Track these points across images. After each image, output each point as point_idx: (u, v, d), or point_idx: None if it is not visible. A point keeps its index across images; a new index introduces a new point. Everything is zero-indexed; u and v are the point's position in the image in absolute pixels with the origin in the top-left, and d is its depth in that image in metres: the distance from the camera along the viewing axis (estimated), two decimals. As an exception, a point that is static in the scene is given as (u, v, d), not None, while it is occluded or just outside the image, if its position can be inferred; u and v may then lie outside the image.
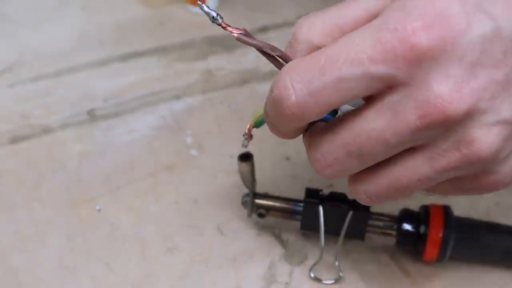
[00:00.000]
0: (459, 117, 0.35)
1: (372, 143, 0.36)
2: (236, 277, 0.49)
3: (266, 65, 0.65)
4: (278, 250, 0.51)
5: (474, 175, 0.38)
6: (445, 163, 0.36)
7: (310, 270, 0.49)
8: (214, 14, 0.38)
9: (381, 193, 0.39)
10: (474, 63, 0.35)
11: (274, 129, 0.40)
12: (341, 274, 0.49)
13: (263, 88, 0.64)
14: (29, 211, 0.52)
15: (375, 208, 0.49)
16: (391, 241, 0.51)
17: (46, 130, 0.59)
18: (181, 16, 0.72)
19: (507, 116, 0.36)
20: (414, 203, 0.51)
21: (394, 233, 0.49)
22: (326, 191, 0.50)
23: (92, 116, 0.60)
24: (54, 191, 0.54)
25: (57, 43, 0.67)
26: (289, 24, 0.71)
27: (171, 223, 0.52)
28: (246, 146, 0.45)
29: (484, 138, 0.36)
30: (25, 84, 0.63)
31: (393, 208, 0.50)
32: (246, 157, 0.47)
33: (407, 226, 0.49)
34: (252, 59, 0.67)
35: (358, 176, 0.39)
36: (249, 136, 0.44)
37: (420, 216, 0.49)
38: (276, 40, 0.70)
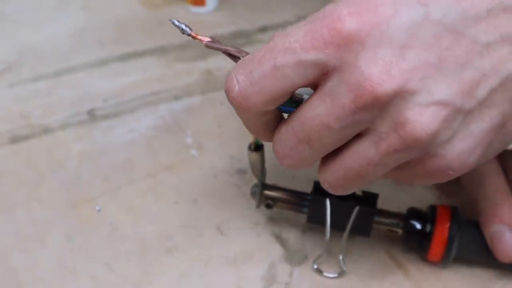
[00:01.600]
0: (389, 97, 0.36)
1: (317, 129, 0.38)
2: (236, 277, 0.49)
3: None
4: (278, 250, 0.51)
5: (420, 159, 0.39)
6: (387, 146, 0.38)
7: (314, 262, 0.49)
8: (183, 27, 0.43)
9: (340, 181, 0.41)
10: (403, 46, 0.36)
11: (245, 125, 0.43)
12: (344, 269, 0.49)
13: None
14: (29, 211, 0.52)
15: (382, 205, 0.49)
16: (391, 240, 0.51)
17: (46, 130, 0.59)
18: (181, 16, 0.71)
19: (442, 97, 0.37)
20: (423, 204, 0.51)
21: (400, 231, 0.49)
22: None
23: (92, 116, 0.60)
24: (54, 191, 0.54)
25: (57, 43, 0.67)
26: (289, 24, 0.71)
27: (171, 223, 0.52)
28: (260, 143, 0.48)
29: (417, 118, 0.37)
30: (25, 84, 0.63)
31: (400, 206, 0.50)
32: (257, 147, 0.48)
33: (413, 225, 0.49)
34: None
35: (321, 166, 0.41)
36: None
37: (427, 215, 0.49)
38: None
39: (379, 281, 0.49)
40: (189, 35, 0.42)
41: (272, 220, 0.53)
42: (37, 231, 0.51)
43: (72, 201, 0.53)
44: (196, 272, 0.49)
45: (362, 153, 0.39)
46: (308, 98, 0.39)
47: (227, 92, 0.39)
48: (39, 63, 0.65)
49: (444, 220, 0.48)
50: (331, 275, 0.49)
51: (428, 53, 0.36)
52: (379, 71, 0.36)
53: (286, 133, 0.40)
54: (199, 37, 0.42)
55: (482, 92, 0.37)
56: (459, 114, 0.37)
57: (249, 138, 0.47)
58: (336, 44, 0.36)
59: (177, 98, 0.63)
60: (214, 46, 0.42)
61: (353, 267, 0.50)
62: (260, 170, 0.49)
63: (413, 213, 0.49)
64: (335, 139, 0.39)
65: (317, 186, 0.50)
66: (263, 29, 0.71)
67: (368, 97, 0.36)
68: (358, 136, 0.39)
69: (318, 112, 0.38)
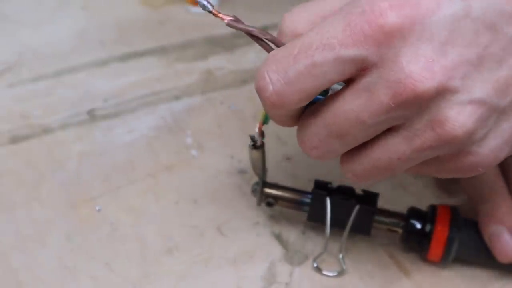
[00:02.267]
0: (430, 95, 0.36)
1: (350, 123, 0.37)
2: (236, 277, 0.49)
3: (266, 65, 0.66)
4: (278, 250, 0.51)
5: (452, 155, 0.39)
6: (421, 142, 0.37)
7: (314, 261, 0.49)
8: (205, 3, 0.41)
9: (366, 172, 0.40)
10: (444, 42, 0.35)
11: (271, 118, 0.41)
12: (344, 267, 0.49)
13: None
14: (29, 211, 0.52)
15: (383, 205, 0.49)
16: (392, 240, 0.51)
17: (46, 130, 0.59)
18: (181, 16, 0.72)
19: (479, 96, 0.36)
20: (423, 203, 0.51)
21: (400, 230, 0.49)
22: (334, 184, 0.50)
23: (92, 116, 0.60)
24: (54, 191, 0.54)
25: (57, 43, 0.67)
26: (289, 24, 0.71)
27: (171, 223, 0.52)
28: (258, 144, 0.46)
29: (456, 117, 0.36)
30: (25, 84, 0.63)
31: (400, 206, 0.50)
32: (258, 145, 0.48)
33: (413, 224, 0.49)
34: (252, 59, 0.67)
35: (346, 156, 0.40)
36: (260, 134, 0.46)
37: (427, 215, 0.49)
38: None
39: (378, 280, 0.49)
40: (210, 12, 0.41)
41: (272, 220, 0.53)
42: (37, 231, 0.51)
43: (72, 201, 0.53)
44: (196, 272, 0.49)
45: (393, 147, 0.38)
46: (341, 91, 0.38)
47: (260, 91, 0.38)
48: (39, 63, 0.65)
49: (444, 220, 0.48)
50: (330, 274, 0.49)
51: (468, 51, 0.36)
52: (421, 68, 0.35)
53: (315, 125, 0.39)
54: (221, 15, 0.41)
55: None
56: (494, 112, 0.37)
57: (248, 139, 0.47)
58: (377, 39, 0.35)
59: (177, 98, 0.63)
60: (236, 25, 0.41)
61: (353, 266, 0.50)
62: (261, 168, 0.49)
63: (413, 212, 0.49)
64: (367, 133, 0.38)
65: (317, 184, 0.50)
66: (263, 29, 0.70)
67: (409, 95, 0.35)
68: (390, 130, 0.38)
69: (353, 107, 0.37)
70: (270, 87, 0.37)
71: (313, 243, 0.51)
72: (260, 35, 0.40)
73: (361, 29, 0.35)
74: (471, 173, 0.40)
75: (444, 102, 0.36)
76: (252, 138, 0.47)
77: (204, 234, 0.52)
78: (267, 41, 0.40)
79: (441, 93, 0.36)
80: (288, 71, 0.37)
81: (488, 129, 0.38)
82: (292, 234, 0.52)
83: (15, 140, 0.58)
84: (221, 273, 0.49)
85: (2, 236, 0.51)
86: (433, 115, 0.36)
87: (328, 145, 0.39)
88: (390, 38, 0.35)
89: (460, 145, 0.38)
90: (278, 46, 0.39)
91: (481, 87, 0.36)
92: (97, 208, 0.53)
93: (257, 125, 0.46)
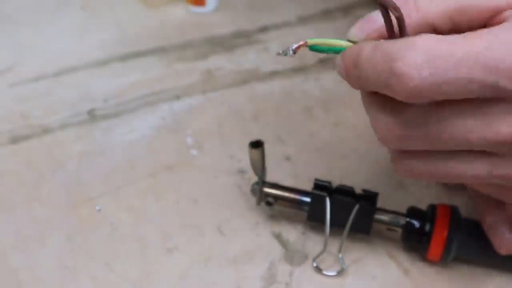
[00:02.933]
0: None
1: (452, 138, 0.36)
2: (236, 277, 0.49)
3: (266, 65, 0.66)
4: (278, 250, 0.51)
5: None
6: (505, 173, 0.37)
7: (314, 260, 0.49)
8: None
9: (431, 175, 0.39)
10: None
11: (354, 76, 0.37)
12: (344, 267, 0.49)
13: (263, 88, 0.64)
14: (29, 211, 0.52)
15: (383, 205, 0.49)
16: (391, 239, 0.51)
17: (46, 130, 0.59)
18: (181, 16, 0.72)
19: None
20: (423, 203, 0.51)
21: (399, 229, 0.49)
22: (334, 184, 0.50)
23: (92, 116, 0.60)
24: (54, 191, 0.54)
25: (57, 43, 0.67)
26: (289, 24, 0.71)
27: (171, 223, 0.52)
28: (286, 54, 0.40)
29: None
30: (25, 84, 0.63)
31: (400, 206, 0.51)
32: (257, 144, 0.48)
33: (413, 223, 0.49)
34: (252, 59, 0.67)
35: (417, 154, 0.38)
36: (297, 49, 0.40)
37: (427, 215, 0.49)
38: (276, 40, 0.70)
39: (378, 280, 0.49)
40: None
41: (272, 220, 0.53)
42: (37, 231, 0.51)
43: (72, 201, 0.53)
44: (196, 272, 0.49)
45: (474, 166, 0.37)
46: (452, 104, 0.36)
47: (401, 77, 0.34)
48: (39, 63, 0.65)
49: (444, 219, 0.48)
50: (330, 273, 0.49)
51: None
52: None
53: (415, 129, 0.37)
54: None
55: None
56: None
57: (248, 140, 0.47)
58: None
59: (177, 98, 0.63)
60: None
61: (352, 266, 0.50)
62: (261, 168, 0.49)
63: (413, 212, 0.49)
64: (460, 148, 0.37)
65: (317, 184, 0.50)
66: (264, 29, 0.71)
67: None
68: (478, 151, 0.37)
69: (467, 126, 0.35)
70: (416, 79, 0.34)
71: (313, 243, 0.51)
72: (393, 11, 0.35)
73: None
74: None
75: None
76: (250, 144, 0.47)
77: (204, 234, 0.52)
78: (392, 17, 0.36)
79: None
80: (444, 76, 0.34)
81: None
82: (292, 234, 0.52)
83: (15, 140, 0.58)
84: (221, 273, 0.49)
85: (2, 236, 0.51)
86: None
87: (414, 146, 0.37)
88: None
89: None
90: (400, 28, 0.36)
91: None
92: (97, 208, 0.53)
93: (300, 42, 0.40)
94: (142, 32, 0.69)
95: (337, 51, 0.40)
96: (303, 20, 0.71)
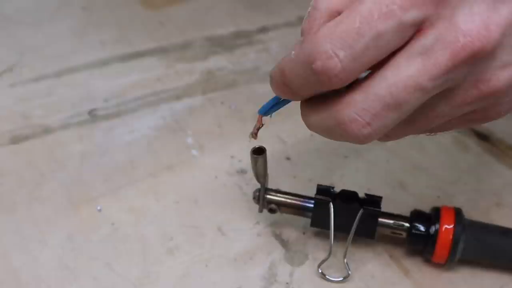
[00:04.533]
0: (487, 53, 0.35)
1: (408, 91, 0.36)
2: (237, 277, 0.49)
3: (266, 65, 0.66)
4: (278, 250, 0.51)
5: (482, 108, 0.39)
6: (462, 100, 0.37)
7: (319, 266, 0.49)
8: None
9: (401, 133, 0.40)
10: None
11: (291, 93, 0.39)
12: (349, 272, 0.49)
13: (263, 88, 0.64)
14: (29, 211, 0.52)
15: (383, 205, 0.49)
16: (394, 243, 0.51)
17: (47, 130, 0.59)
18: (181, 16, 0.72)
19: None
20: (424, 203, 0.51)
21: (404, 233, 0.49)
22: (337, 186, 0.50)
23: (93, 116, 0.61)
24: (54, 191, 0.54)
25: (58, 43, 0.67)
26: (289, 24, 0.71)
27: (171, 223, 0.52)
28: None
29: (500, 74, 0.37)
30: (26, 84, 0.63)
31: (401, 206, 0.51)
32: (259, 151, 0.47)
33: (417, 227, 0.49)
34: (252, 59, 0.67)
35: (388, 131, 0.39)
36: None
37: (431, 217, 0.49)
38: (276, 40, 0.70)
39: (381, 283, 0.49)
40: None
41: (272, 220, 0.53)
42: (38, 231, 0.51)
43: (73, 201, 0.53)
44: (197, 272, 0.49)
45: (432, 109, 0.38)
46: (392, 60, 0.36)
47: (325, 71, 0.36)
48: (40, 63, 0.65)
49: (449, 221, 0.48)
50: (336, 279, 0.49)
51: None
52: (478, 27, 0.35)
53: (367, 100, 0.37)
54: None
55: None
56: None
57: (250, 141, 0.47)
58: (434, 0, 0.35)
59: (177, 98, 0.63)
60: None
61: (354, 268, 0.50)
62: (263, 175, 0.49)
63: (417, 215, 0.49)
64: (423, 100, 0.37)
65: (320, 190, 0.49)
66: (264, 29, 0.71)
67: (467, 54, 0.35)
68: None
69: (409, 73, 0.36)
70: (338, 65, 0.35)
71: (313, 243, 0.51)
72: None
73: None
74: (495, 119, 0.40)
75: (492, 60, 0.36)
76: (254, 151, 0.47)
77: (205, 234, 0.52)
78: None
79: (494, 51, 0.36)
80: (355, 46, 0.35)
81: None
82: (292, 234, 0.52)
83: (16, 140, 0.58)
84: (222, 273, 0.49)
85: (3, 236, 0.51)
86: (480, 74, 0.36)
87: (382, 119, 0.37)
88: None
89: (497, 99, 0.38)
90: None
91: None
92: (97, 208, 0.53)
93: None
94: (142, 32, 0.69)
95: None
96: (302, 20, 0.71)
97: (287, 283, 0.49)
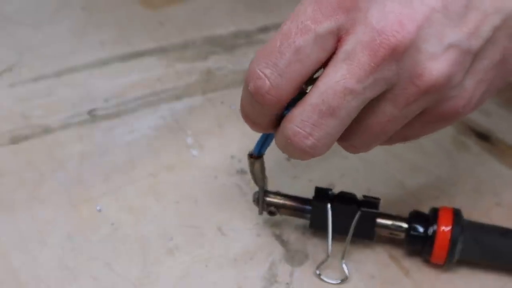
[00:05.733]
0: (405, 47, 0.37)
1: (339, 95, 0.38)
2: (237, 277, 0.49)
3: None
4: (278, 250, 0.51)
5: (435, 105, 0.40)
6: (406, 99, 0.38)
7: (317, 268, 0.49)
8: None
9: (363, 142, 0.41)
10: None
11: (252, 123, 0.42)
12: (347, 275, 0.49)
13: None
14: (29, 211, 0.52)
15: (382, 205, 0.49)
16: (393, 243, 0.51)
17: (47, 130, 0.59)
18: (181, 16, 0.72)
19: (451, 41, 0.38)
20: (422, 204, 0.51)
21: (402, 234, 0.49)
22: (335, 191, 0.50)
23: (93, 116, 0.61)
24: (54, 191, 0.54)
25: (58, 43, 0.67)
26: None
27: (171, 223, 0.52)
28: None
29: (432, 65, 0.37)
30: (25, 84, 0.63)
31: (400, 207, 0.51)
32: (257, 155, 0.47)
33: (415, 228, 0.49)
34: (252, 59, 0.67)
35: (343, 135, 0.41)
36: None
37: (430, 218, 0.49)
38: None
39: (380, 283, 0.49)
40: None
41: (272, 220, 0.53)
42: (38, 231, 0.51)
43: (72, 201, 0.53)
44: (197, 272, 0.49)
45: (382, 112, 0.39)
46: (322, 72, 0.39)
47: (257, 90, 0.39)
48: (40, 63, 0.65)
49: (447, 222, 0.48)
50: (334, 282, 0.49)
51: (432, 0, 0.37)
52: (391, 24, 0.36)
53: (304, 111, 0.39)
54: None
55: (486, 30, 0.38)
56: (468, 54, 0.38)
57: (250, 140, 0.47)
58: (344, 8, 0.37)
59: (177, 98, 0.63)
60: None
61: (353, 268, 0.50)
62: (261, 178, 0.49)
63: (416, 216, 0.49)
64: (358, 103, 0.38)
65: (318, 192, 0.49)
66: (264, 29, 0.71)
67: (385, 51, 0.37)
68: (375, 99, 0.39)
69: (337, 79, 0.38)
70: (267, 82, 0.38)
71: (313, 243, 0.51)
72: None
73: (328, 3, 0.37)
74: (455, 119, 0.41)
75: (418, 54, 0.37)
76: (250, 154, 0.47)
77: (205, 234, 0.52)
78: None
79: (414, 44, 0.37)
80: (278, 63, 0.38)
81: (465, 72, 0.39)
82: (292, 234, 0.52)
83: (15, 140, 0.58)
84: (222, 273, 0.49)
85: (3, 236, 0.51)
86: (411, 70, 0.37)
87: (322, 126, 0.39)
88: (356, 3, 0.37)
89: (441, 92, 0.39)
90: None
91: (452, 32, 0.37)
92: (97, 208, 0.53)
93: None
94: (142, 32, 0.69)
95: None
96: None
97: (287, 283, 0.49)
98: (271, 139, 0.44)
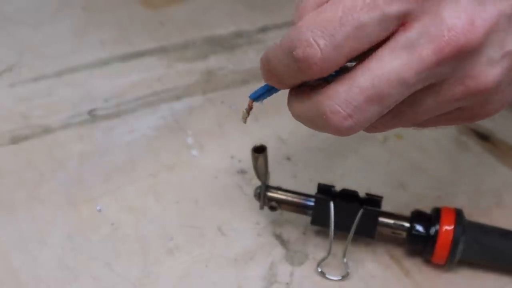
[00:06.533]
0: (472, 48, 0.35)
1: (391, 84, 0.36)
2: (237, 277, 0.49)
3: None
4: (279, 250, 0.51)
5: (472, 106, 0.38)
6: (450, 96, 0.37)
7: (318, 265, 0.49)
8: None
9: (388, 126, 0.40)
10: None
11: (277, 81, 0.39)
12: (349, 271, 0.49)
13: (264, 88, 0.64)
14: (29, 211, 0.52)
15: (383, 205, 0.49)
16: (394, 243, 0.51)
17: (47, 130, 0.59)
18: (181, 16, 0.72)
19: (509, 49, 0.36)
20: (423, 203, 0.51)
21: (404, 233, 0.49)
22: (338, 187, 0.50)
23: (93, 116, 0.60)
24: (54, 191, 0.54)
25: (58, 43, 0.67)
26: (289, 24, 0.71)
27: (171, 223, 0.52)
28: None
29: (489, 71, 0.36)
30: (25, 84, 0.63)
31: (400, 206, 0.51)
32: (260, 149, 0.47)
33: (417, 227, 0.49)
34: (252, 59, 0.67)
35: (375, 122, 0.39)
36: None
37: (432, 218, 0.49)
38: (276, 40, 0.70)
39: (381, 283, 0.49)
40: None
41: (272, 220, 0.53)
42: (38, 231, 0.51)
43: (72, 201, 0.53)
44: (197, 272, 0.49)
45: (420, 103, 0.38)
46: (377, 52, 0.36)
47: (306, 58, 0.35)
48: (40, 63, 0.65)
49: (449, 222, 0.48)
50: (335, 278, 0.49)
51: (504, 3, 0.36)
52: (463, 22, 0.35)
53: (349, 91, 0.36)
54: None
55: None
56: None
57: (250, 140, 0.47)
58: None
59: (178, 98, 0.63)
60: None
61: (355, 269, 0.50)
62: (264, 172, 0.49)
63: (417, 215, 0.49)
64: (407, 94, 0.37)
65: (321, 188, 0.49)
66: (264, 29, 0.71)
67: (452, 49, 0.35)
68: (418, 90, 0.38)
69: (394, 66, 0.36)
70: (319, 54, 0.35)
71: (313, 243, 0.51)
72: None
73: None
74: (485, 118, 0.40)
75: (479, 56, 0.36)
76: (253, 149, 0.47)
77: (205, 234, 0.52)
78: None
79: (479, 46, 0.36)
80: (336, 35, 0.35)
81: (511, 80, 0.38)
82: (292, 234, 0.52)
83: (15, 140, 0.58)
84: (222, 273, 0.49)
85: (3, 236, 0.51)
86: (467, 70, 0.36)
87: (365, 111, 0.37)
88: None
89: (485, 96, 0.38)
90: None
91: (511, 40, 0.36)
92: (97, 208, 0.53)
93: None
94: (142, 32, 0.69)
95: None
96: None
97: (287, 283, 0.49)
98: (275, 92, 0.42)
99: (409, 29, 0.35)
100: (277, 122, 0.60)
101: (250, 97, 0.43)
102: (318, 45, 0.35)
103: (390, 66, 0.36)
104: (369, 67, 0.36)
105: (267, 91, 0.42)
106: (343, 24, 0.35)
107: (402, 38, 0.35)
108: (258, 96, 0.43)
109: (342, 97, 0.37)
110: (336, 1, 0.36)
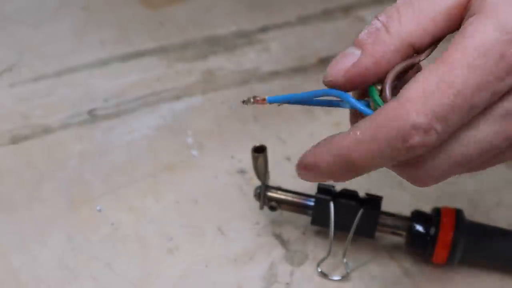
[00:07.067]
0: None
1: (482, 151, 0.36)
2: (237, 277, 0.49)
3: (266, 65, 0.66)
4: (279, 250, 0.51)
5: None
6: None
7: (318, 265, 0.49)
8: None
9: (446, 176, 0.39)
10: None
11: (330, 178, 0.41)
12: (349, 271, 0.49)
13: (263, 88, 0.64)
14: (29, 211, 0.52)
15: (383, 205, 0.49)
16: (394, 243, 0.51)
17: (47, 130, 0.59)
18: (181, 16, 0.72)
19: None
20: (423, 203, 0.51)
21: (404, 233, 0.49)
22: (338, 188, 0.50)
23: (93, 116, 0.60)
24: (54, 191, 0.54)
25: (58, 43, 0.67)
26: (290, 24, 0.71)
27: (171, 223, 0.52)
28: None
29: None
30: (25, 84, 0.63)
31: (400, 206, 0.51)
32: (260, 149, 0.47)
33: (417, 227, 0.49)
34: (252, 59, 0.67)
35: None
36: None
37: (432, 218, 0.49)
38: (276, 40, 0.70)
39: (381, 283, 0.49)
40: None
41: (272, 220, 0.53)
42: (38, 231, 0.51)
43: (72, 201, 0.53)
44: (197, 272, 0.49)
45: (498, 158, 0.38)
46: (469, 122, 0.36)
47: (422, 144, 0.35)
48: (40, 63, 0.65)
49: (449, 222, 0.48)
50: (335, 278, 0.49)
51: None
52: None
53: (438, 159, 0.37)
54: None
55: None
56: None
57: (250, 140, 0.47)
58: None
59: (177, 98, 0.63)
60: None
61: (355, 270, 0.50)
62: (264, 172, 0.49)
63: (418, 215, 0.49)
64: (491, 156, 0.37)
65: (321, 188, 0.49)
66: (264, 29, 0.71)
67: None
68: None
69: (488, 134, 0.36)
70: (434, 140, 0.35)
71: (313, 243, 0.51)
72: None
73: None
74: None
75: None
76: (253, 149, 0.46)
77: (205, 234, 0.52)
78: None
79: None
80: (449, 121, 0.34)
81: None
82: (292, 234, 0.52)
83: (15, 140, 0.58)
84: (222, 273, 0.49)
85: (3, 236, 0.51)
86: None
87: (451, 174, 0.38)
88: None
89: None
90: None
91: None
92: (97, 208, 0.53)
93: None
94: (142, 32, 0.69)
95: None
96: (303, 20, 0.71)
97: (287, 283, 0.49)
98: (293, 104, 0.42)
99: (508, 99, 0.35)
100: (277, 122, 0.60)
101: (268, 100, 0.42)
102: (437, 132, 0.34)
103: (483, 134, 0.36)
104: (462, 135, 0.36)
105: (288, 101, 0.42)
106: (455, 110, 0.34)
107: (501, 106, 0.35)
108: (274, 101, 0.43)
109: (429, 164, 0.37)
110: (441, 79, 0.34)
